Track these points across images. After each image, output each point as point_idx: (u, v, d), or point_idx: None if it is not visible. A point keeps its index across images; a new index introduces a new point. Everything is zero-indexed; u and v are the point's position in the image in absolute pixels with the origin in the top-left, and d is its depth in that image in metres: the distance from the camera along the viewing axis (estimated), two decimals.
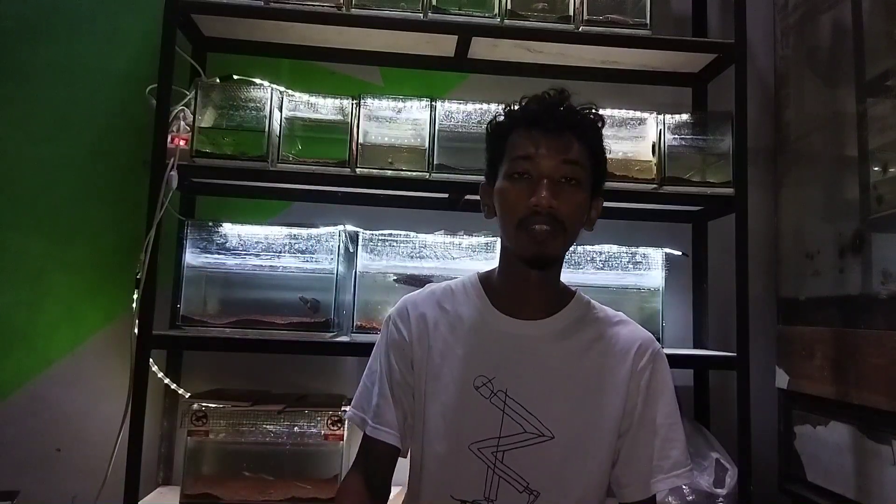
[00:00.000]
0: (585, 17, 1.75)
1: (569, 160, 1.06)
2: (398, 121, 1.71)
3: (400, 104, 1.72)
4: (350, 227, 1.71)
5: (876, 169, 1.61)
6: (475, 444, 1.07)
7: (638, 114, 1.78)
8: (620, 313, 1.19)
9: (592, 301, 1.19)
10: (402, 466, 1.16)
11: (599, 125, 1.13)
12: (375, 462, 1.13)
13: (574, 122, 1.08)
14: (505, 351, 1.10)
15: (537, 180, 1.05)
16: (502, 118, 1.13)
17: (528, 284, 1.11)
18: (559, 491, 1.06)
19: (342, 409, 1.60)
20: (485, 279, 1.18)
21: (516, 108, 1.12)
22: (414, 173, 1.69)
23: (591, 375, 1.10)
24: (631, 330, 1.16)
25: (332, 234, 1.68)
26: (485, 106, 1.71)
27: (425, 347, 1.13)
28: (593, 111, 1.13)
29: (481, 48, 1.87)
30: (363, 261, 1.68)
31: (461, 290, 1.17)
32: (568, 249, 1.12)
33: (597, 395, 1.09)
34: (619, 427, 1.09)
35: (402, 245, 1.69)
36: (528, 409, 1.07)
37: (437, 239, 1.70)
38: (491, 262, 1.40)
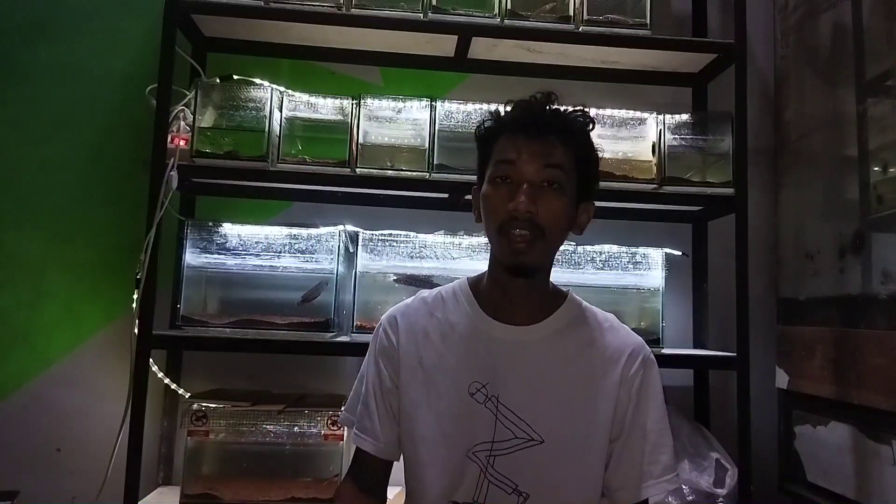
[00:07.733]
0: (585, 17, 1.75)
1: (550, 164, 1.04)
2: (398, 121, 1.71)
3: (400, 104, 1.72)
4: (350, 227, 1.71)
5: (876, 169, 1.61)
6: (472, 449, 1.07)
7: (638, 114, 1.78)
8: (611, 316, 1.18)
9: (584, 303, 1.18)
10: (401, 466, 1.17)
11: (588, 128, 1.11)
12: (365, 467, 1.15)
13: (559, 126, 1.07)
14: (496, 356, 1.10)
15: (518, 185, 1.04)
16: (490, 122, 1.13)
17: (514, 291, 1.11)
18: (549, 493, 1.07)
19: (342, 409, 1.60)
20: (474, 284, 1.17)
21: (503, 112, 1.11)
22: (414, 173, 1.69)
23: (582, 380, 1.10)
24: (622, 335, 1.15)
25: (332, 234, 1.68)
26: (485, 106, 1.70)
27: (416, 356, 1.13)
28: (581, 114, 1.10)
29: (481, 48, 1.87)
30: (363, 261, 1.68)
31: (451, 296, 1.17)
32: (552, 256, 1.11)
33: (587, 400, 1.09)
34: (609, 431, 1.09)
35: (402, 245, 1.69)
36: (518, 414, 1.07)
37: (437, 239, 1.70)
38: None
